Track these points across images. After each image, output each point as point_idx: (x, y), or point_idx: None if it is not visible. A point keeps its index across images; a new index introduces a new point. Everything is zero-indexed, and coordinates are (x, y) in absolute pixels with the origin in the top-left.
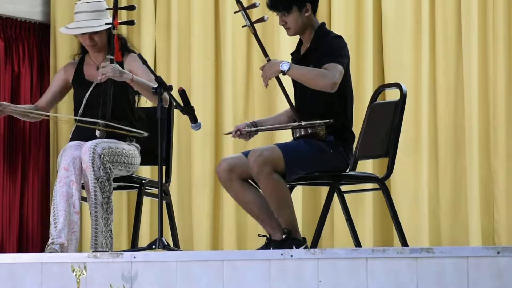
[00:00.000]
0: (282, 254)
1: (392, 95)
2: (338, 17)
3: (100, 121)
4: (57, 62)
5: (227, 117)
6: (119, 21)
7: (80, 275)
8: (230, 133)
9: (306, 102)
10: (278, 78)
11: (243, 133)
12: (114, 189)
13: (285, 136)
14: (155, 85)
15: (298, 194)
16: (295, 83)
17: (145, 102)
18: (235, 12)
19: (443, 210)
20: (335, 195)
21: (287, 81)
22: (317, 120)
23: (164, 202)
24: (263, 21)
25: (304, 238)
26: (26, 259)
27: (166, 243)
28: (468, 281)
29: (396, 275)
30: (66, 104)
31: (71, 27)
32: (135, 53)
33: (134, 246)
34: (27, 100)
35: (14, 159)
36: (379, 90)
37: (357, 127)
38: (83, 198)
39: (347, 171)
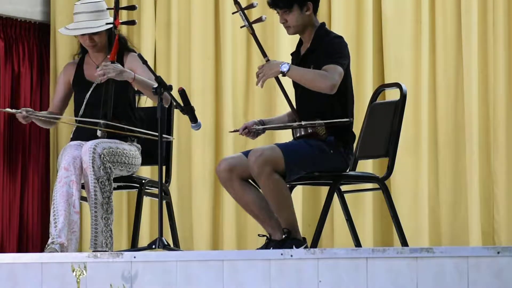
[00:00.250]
0: (282, 254)
1: (392, 95)
2: (338, 17)
3: (101, 121)
4: (57, 62)
5: (227, 117)
6: (120, 21)
7: (80, 275)
8: (236, 130)
9: (307, 102)
10: (277, 79)
11: (251, 131)
12: (114, 189)
13: (286, 136)
14: (156, 84)
15: (298, 194)
16: (295, 83)
17: (145, 101)
18: (233, 13)
19: (443, 210)
20: (335, 195)
21: (287, 81)
22: (317, 120)
23: (164, 202)
24: (261, 21)
25: (304, 238)
26: (26, 259)
27: (166, 243)
28: (468, 281)
29: (396, 275)
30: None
31: (71, 28)
32: (135, 52)
33: (134, 246)
34: (27, 99)
35: (14, 159)
36: (379, 90)
37: (357, 127)
38: (83, 198)
39: (347, 171)
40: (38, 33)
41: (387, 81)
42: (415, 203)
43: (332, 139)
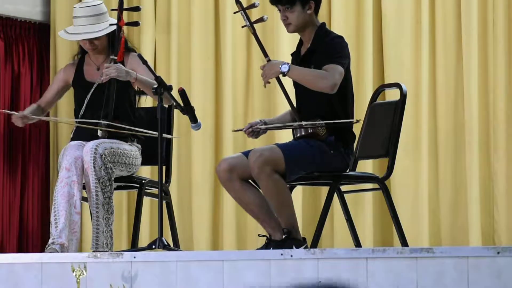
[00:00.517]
0: (282, 254)
1: (392, 95)
2: (338, 17)
3: (102, 122)
4: (57, 62)
5: (227, 117)
6: (124, 22)
7: (80, 275)
8: (240, 129)
9: (307, 102)
10: (278, 79)
11: (255, 130)
12: (114, 189)
13: (286, 136)
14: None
15: (298, 194)
16: (296, 83)
17: (144, 101)
18: (234, 13)
19: (443, 210)
20: (335, 195)
21: (287, 81)
22: (318, 120)
23: (164, 202)
24: (262, 21)
25: (304, 238)
26: (26, 259)
27: (166, 243)
28: (468, 281)
29: (396, 275)
30: (67, 105)
31: (70, 31)
32: (135, 52)
33: (134, 246)
34: (27, 99)
35: (14, 159)
36: (379, 90)
37: (357, 127)
38: (84, 198)
39: (347, 171)
40: (38, 33)
41: (387, 81)
42: (415, 203)
43: (332, 139)
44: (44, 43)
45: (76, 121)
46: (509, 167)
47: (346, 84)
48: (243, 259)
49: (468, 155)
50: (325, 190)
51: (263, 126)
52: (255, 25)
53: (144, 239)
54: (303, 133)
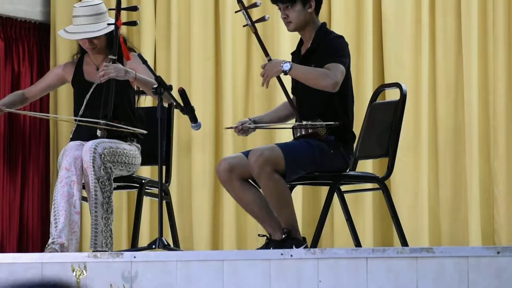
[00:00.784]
0: (282, 254)
1: (392, 95)
2: (338, 17)
3: (101, 121)
4: (57, 62)
5: (227, 117)
6: (122, 21)
7: (80, 275)
8: (232, 127)
9: (307, 102)
10: (279, 78)
11: (244, 129)
12: (114, 189)
13: (286, 135)
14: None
15: (298, 194)
16: (296, 83)
17: (144, 101)
18: (236, 12)
19: (443, 210)
20: (335, 195)
21: (287, 81)
22: (318, 120)
23: (164, 202)
24: (264, 20)
25: (304, 238)
26: (26, 259)
27: (166, 243)
28: (468, 281)
29: (396, 275)
30: (66, 105)
31: (70, 31)
32: (135, 52)
33: (134, 246)
34: None
35: (14, 159)
36: (379, 90)
37: (357, 127)
38: (83, 198)
39: (347, 171)
40: (38, 33)
41: (387, 81)
42: (415, 203)
43: (332, 139)
44: (44, 43)
45: (74, 119)
46: (509, 167)
47: (346, 83)
48: (243, 259)
49: (468, 155)
50: (325, 190)
51: (252, 125)
52: (256, 25)
53: (144, 239)
54: (303, 133)
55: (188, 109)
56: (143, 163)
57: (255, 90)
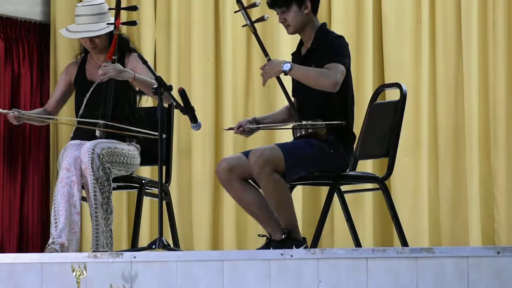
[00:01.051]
0: (282, 254)
1: (392, 95)
2: (338, 17)
3: (101, 121)
4: (57, 62)
5: (227, 117)
6: (121, 21)
7: (80, 275)
8: (231, 128)
9: (307, 103)
10: (279, 78)
11: (246, 129)
12: (114, 189)
13: (286, 135)
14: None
15: (298, 194)
16: (296, 83)
17: (145, 101)
18: (235, 12)
19: (443, 210)
20: (335, 195)
21: (287, 81)
22: (318, 120)
23: (164, 202)
24: (263, 20)
25: (304, 238)
26: (26, 259)
27: (166, 243)
28: (468, 281)
29: (396, 275)
30: (67, 105)
31: (72, 29)
32: (136, 52)
33: (134, 246)
34: (27, 100)
35: (14, 159)
36: (379, 90)
37: (357, 127)
38: (84, 198)
39: (347, 171)
40: (38, 33)
41: (387, 81)
42: (415, 203)
43: (332, 139)
44: (44, 43)
45: (69, 120)
46: (509, 167)
47: (347, 84)
48: (243, 259)
49: (468, 155)
50: (325, 190)
51: (254, 125)
52: (256, 25)
53: (144, 239)
54: (303, 133)
55: (188, 109)
56: (143, 163)
57: (255, 90)
